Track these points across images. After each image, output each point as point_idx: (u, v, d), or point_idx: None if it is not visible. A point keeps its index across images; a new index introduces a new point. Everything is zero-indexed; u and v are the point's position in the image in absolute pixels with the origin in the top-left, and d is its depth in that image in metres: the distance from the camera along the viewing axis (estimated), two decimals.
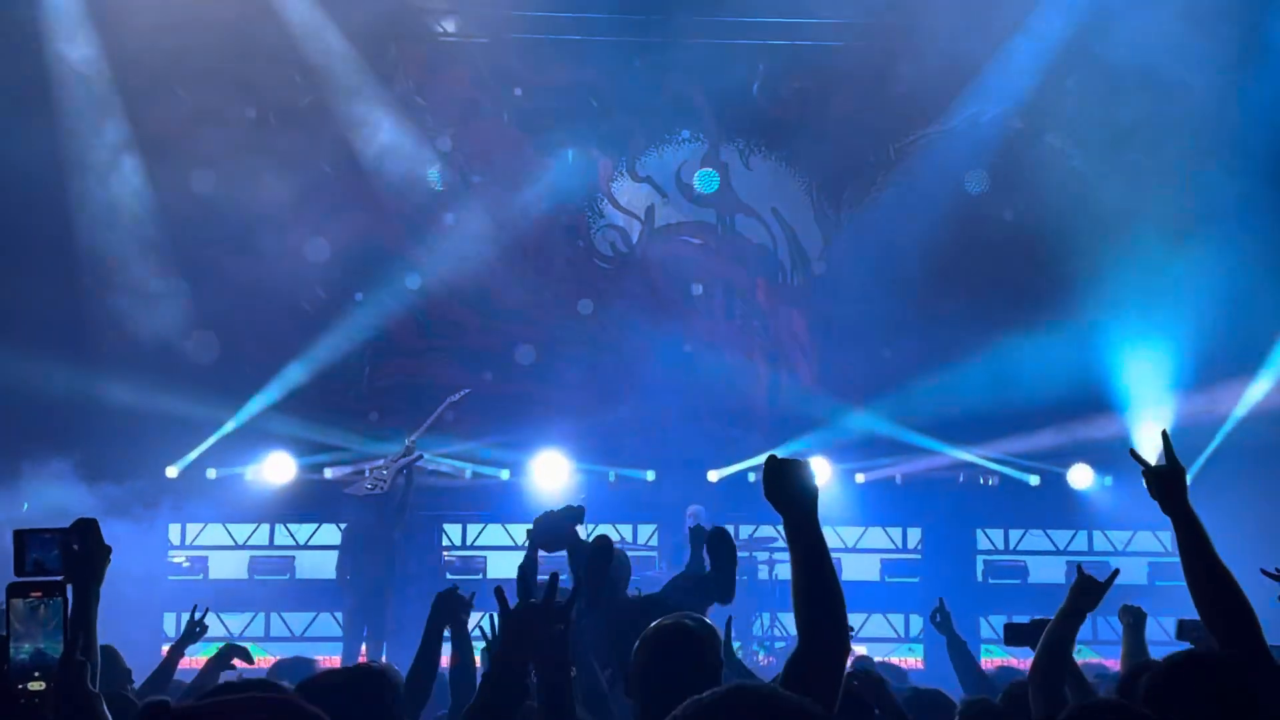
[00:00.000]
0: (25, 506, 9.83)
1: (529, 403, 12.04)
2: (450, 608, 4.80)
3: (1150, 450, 3.63)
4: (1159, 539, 11.67)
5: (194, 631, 5.80)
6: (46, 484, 9.68)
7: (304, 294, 11.80)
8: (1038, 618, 4.61)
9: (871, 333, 11.77)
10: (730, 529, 10.06)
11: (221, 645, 6.12)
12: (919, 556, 12.05)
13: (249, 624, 11.20)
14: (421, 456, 10.42)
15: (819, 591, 2.70)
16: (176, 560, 11.32)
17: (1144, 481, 3.31)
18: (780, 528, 3.09)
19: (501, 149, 12.15)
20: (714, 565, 6.20)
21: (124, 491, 10.23)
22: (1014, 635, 4.82)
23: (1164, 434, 3.42)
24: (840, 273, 12.37)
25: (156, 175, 11.41)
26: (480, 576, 11.11)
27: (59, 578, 2.98)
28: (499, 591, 3.10)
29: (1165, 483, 3.27)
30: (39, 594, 2.37)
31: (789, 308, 12.36)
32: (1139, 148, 11.93)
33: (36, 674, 2.28)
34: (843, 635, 2.69)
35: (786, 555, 8.66)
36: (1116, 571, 4.49)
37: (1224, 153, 11.77)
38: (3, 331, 10.44)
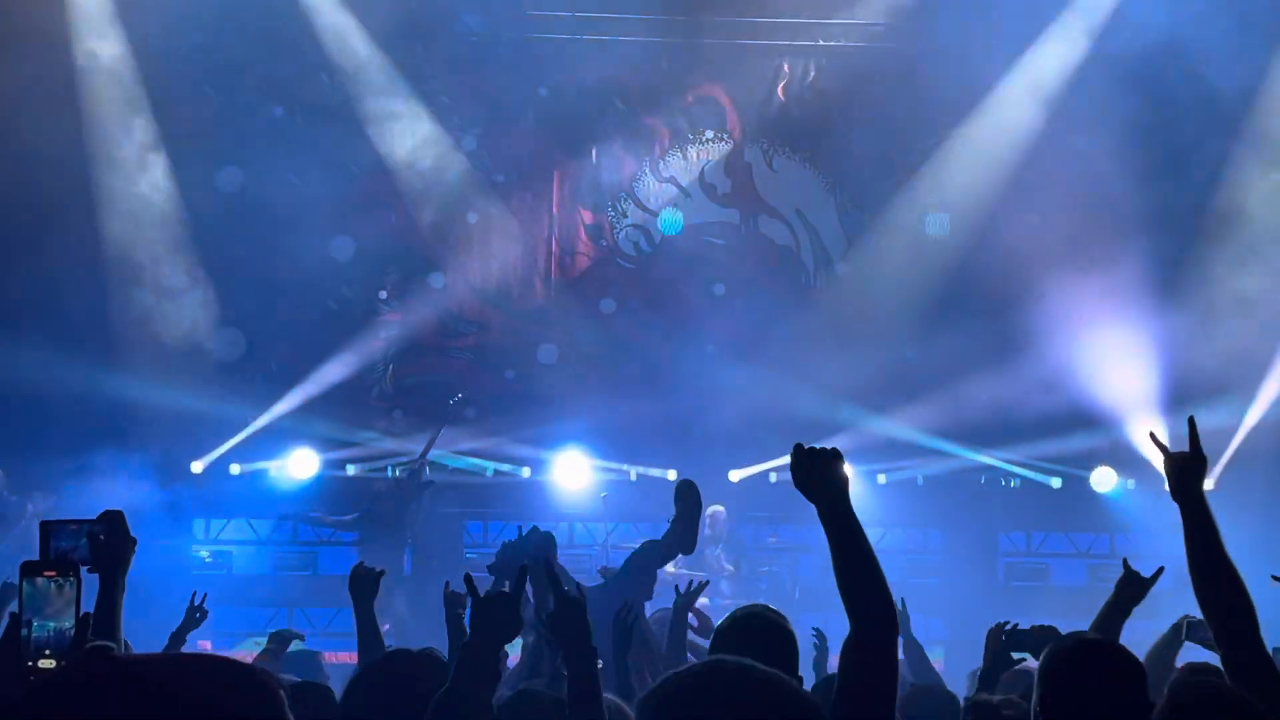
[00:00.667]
0: (52, 501, 10.01)
1: (551, 402, 12.11)
2: (362, 586, 4.86)
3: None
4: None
5: (194, 618, 5.87)
6: (83, 480, 9.84)
7: (329, 292, 11.98)
8: (1040, 624, 4.62)
9: (895, 335, 11.87)
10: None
11: (271, 633, 6.36)
12: (940, 558, 12.12)
13: (271, 619, 11.34)
14: (431, 484, 10.63)
15: (859, 573, 2.71)
16: (200, 555, 11.44)
17: (1163, 467, 3.22)
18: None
19: (526, 149, 12.29)
20: (676, 514, 6.36)
21: (155, 489, 10.49)
22: (1014, 642, 4.76)
23: (1190, 420, 3.30)
24: (864, 274, 12.45)
25: (183, 173, 11.59)
26: None
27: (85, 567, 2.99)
28: (468, 579, 3.27)
29: (1183, 469, 3.19)
30: (53, 573, 2.40)
31: (812, 308, 12.39)
32: (1163, 148, 12.07)
33: (48, 652, 2.31)
34: (890, 612, 2.69)
35: (807, 557, 8.66)
36: (1161, 569, 4.48)
37: (1249, 150, 11.91)
38: (29, 326, 10.72)
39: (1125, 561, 4.60)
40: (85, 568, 3.09)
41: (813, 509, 2.85)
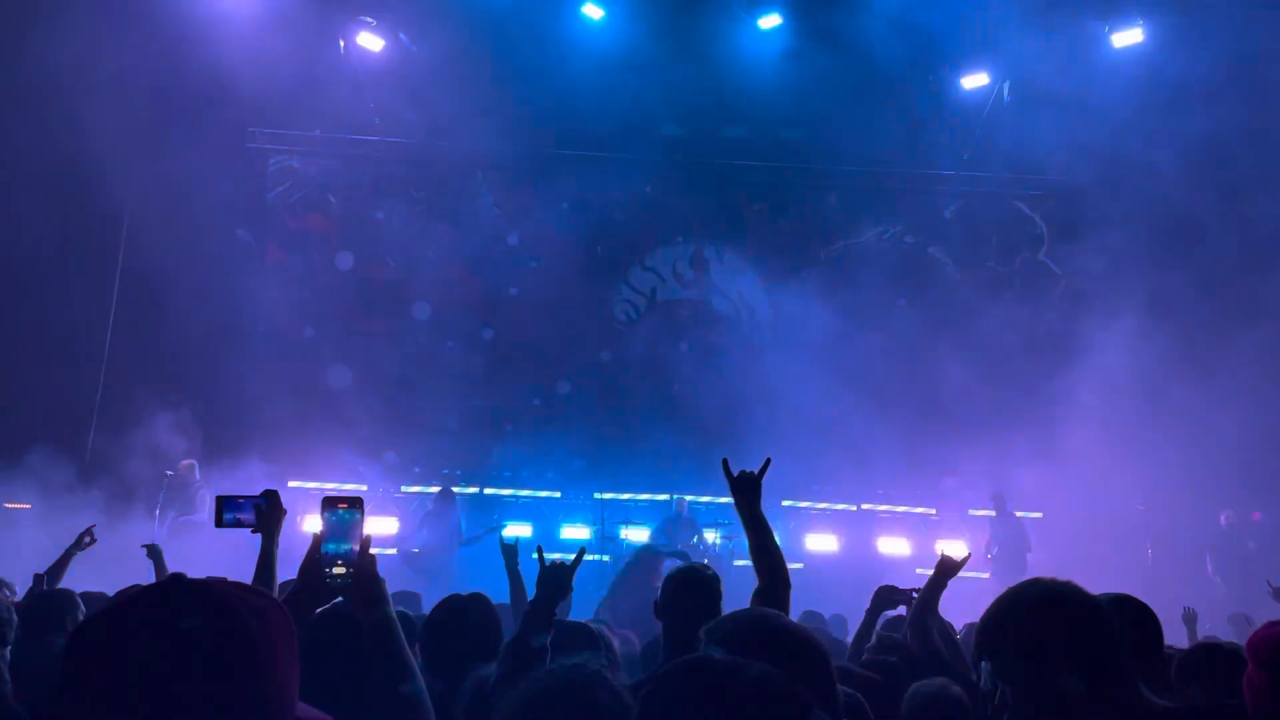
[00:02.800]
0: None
1: (566, 421, 13.07)
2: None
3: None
4: None
5: None
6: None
7: (410, 340, 13.19)
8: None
9: (800, 374, 12.42)
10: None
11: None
12: None
13: None
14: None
15: (770, 547, 3.20)
16: None
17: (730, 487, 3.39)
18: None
19: (551, 245, 13.29)
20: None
21: None
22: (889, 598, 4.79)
23: (724, 461, 3.44)
24: (783, 336, 13.61)
25: (312, 256, 13.16)
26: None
27: (358, 499, 2.83)
28: (540, 550, 3.35)
29: (742, 487, 3.35)
30: (344, 506, 2.40)
31: (748, 359, 13.34)
32: (993, 258, 13.90)
33: (339, 562, 2.37)
34: (785, 574, 3.18)
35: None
36: (969, 556, 4.63)
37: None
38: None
39: (942, 550, 4.62)
40: (250, 529, 3.27)
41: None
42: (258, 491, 3.30)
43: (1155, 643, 2.73)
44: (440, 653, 3.46)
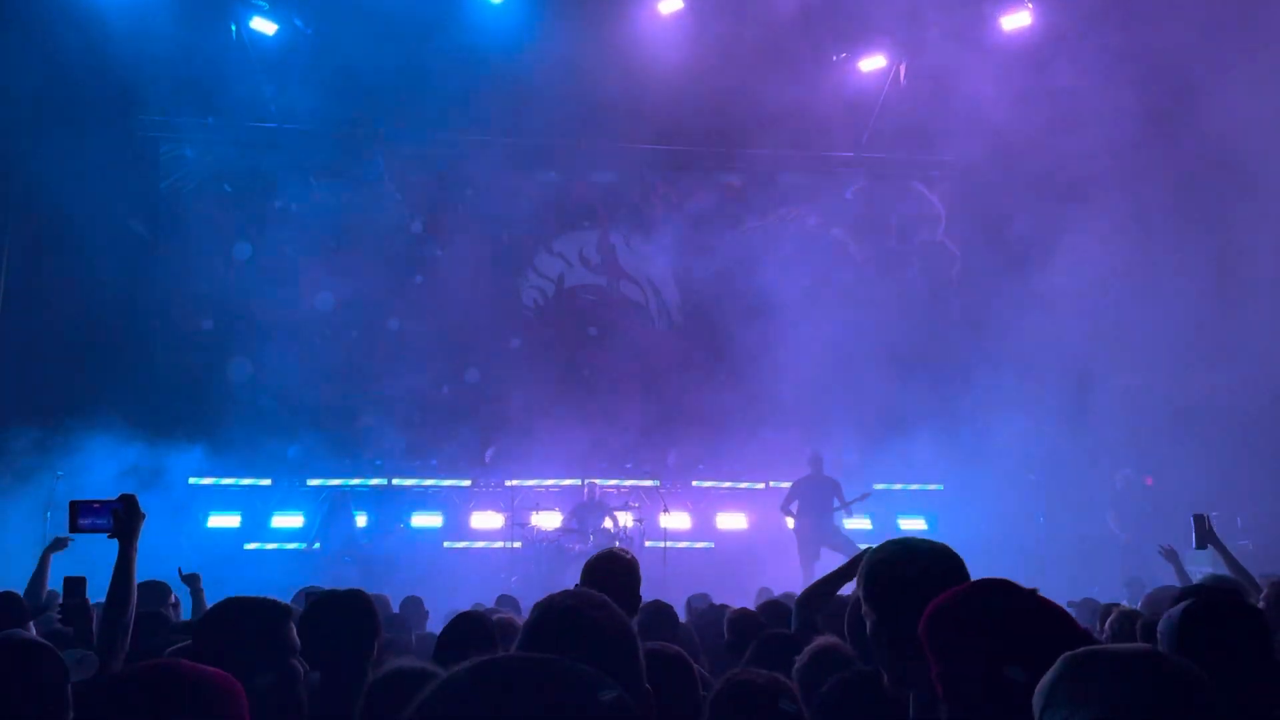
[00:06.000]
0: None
1: (475, 409, 13.14)
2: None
3: None
4: None
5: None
6: None
7: (316, 333, 12.90)
8: None
9: (708, 357, 13.14)
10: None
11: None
12: None
13: None
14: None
15: None
16: None
17: None
18: None
19: (457, 231, 13.14)
20: None
21: None
22: None
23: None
24: (690, 319, 13.95)
25: (208, 245, 12.93)
26: None
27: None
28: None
29: None
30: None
31: (656, 343, 13.56)
32: (893, 238, 14.29)
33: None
34: None
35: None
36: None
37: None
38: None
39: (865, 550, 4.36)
40: (108, 534, 3.23)
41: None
42: (116, 496, 3.23)
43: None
44: (316, 647, 3.32)
